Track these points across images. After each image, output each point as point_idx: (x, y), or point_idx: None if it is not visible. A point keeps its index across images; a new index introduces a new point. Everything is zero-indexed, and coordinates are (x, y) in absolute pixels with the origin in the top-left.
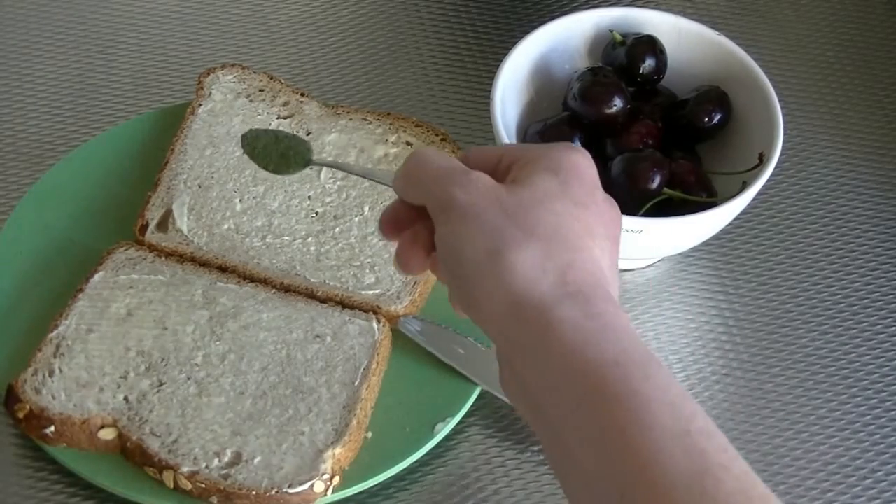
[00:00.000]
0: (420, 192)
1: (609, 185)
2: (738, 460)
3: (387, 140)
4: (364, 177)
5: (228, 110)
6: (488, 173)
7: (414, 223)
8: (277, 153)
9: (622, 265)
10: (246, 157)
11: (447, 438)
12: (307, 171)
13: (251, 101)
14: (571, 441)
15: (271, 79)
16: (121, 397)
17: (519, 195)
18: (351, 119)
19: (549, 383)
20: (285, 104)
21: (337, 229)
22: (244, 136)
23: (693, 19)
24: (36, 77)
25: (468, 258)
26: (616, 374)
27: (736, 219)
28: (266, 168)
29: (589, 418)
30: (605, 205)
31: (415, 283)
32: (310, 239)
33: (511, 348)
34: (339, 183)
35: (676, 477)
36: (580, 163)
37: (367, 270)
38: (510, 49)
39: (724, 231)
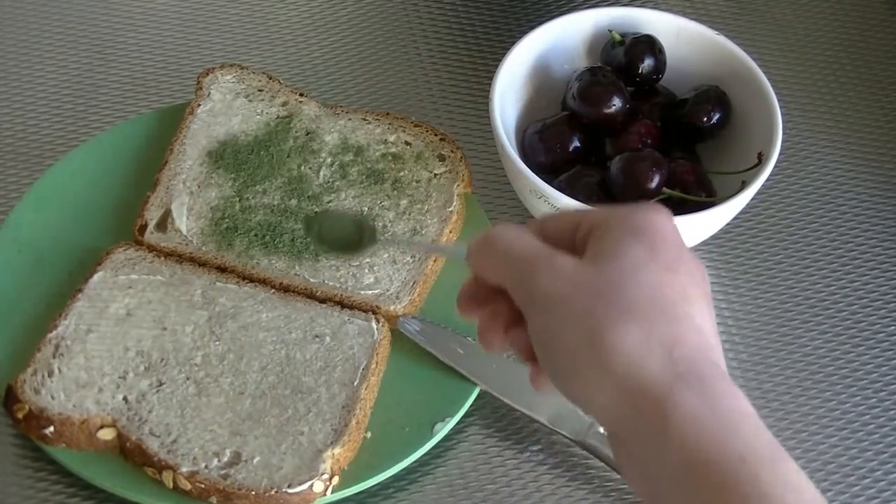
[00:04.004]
0: (499, 277)
1: (608, 185)
2: None
3: (385, 140)
4: (435, 252)
5: (227, 110)
6: (566, 243)
7: (492, 300)
8: (342, 235)
9: None
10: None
11: (446, 438)
12: (305, 170)
13: (250, 100)
14: None
15: (270, 79)
16: (120, 397)
17: (606, 271)
18: (350, 119)
19: (669, 474)
20: (284, 104)
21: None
22: (306, 219)
23: (692, 19)
24: (35, 77)
25: (566, 348)
26: (743, 473)
27: (735, 218)
28: (331, 251)
29: None
30: (693, 263)
31: (414, 282)
32: (309, 238)
33: (627, 435)
34: (338, 183)
35: None
36: (663, 223)
37: (366, 270)
38: (509, 49)
39: (724, 231)
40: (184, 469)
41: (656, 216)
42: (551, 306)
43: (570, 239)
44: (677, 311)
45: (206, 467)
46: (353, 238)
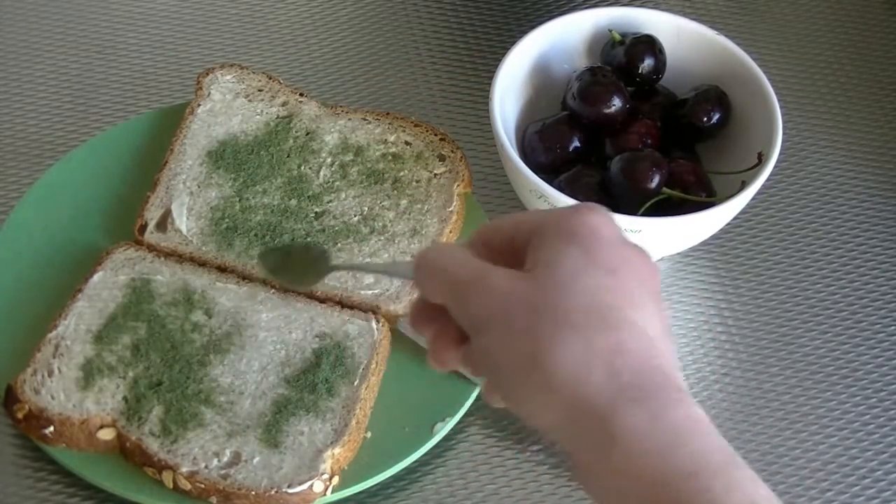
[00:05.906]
0: (439, 298)
1: (608, 185)
2: None
3: (385, 140)
4: (386, 273)
5: (227, 110)
6: (505, 254)
7: (440, 316)
8: (299, 266)
9: None
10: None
11: (446, 438)
12: (305, 170)
13: (250, 100)
14: None
15: (270, 79)
16: (120, 397)
17: (542, 283)
18: (350, 119)
19: (620, 491)
20: (284, 104)
21: (336, 229)
22: (260, 255)
23: (692, 19)
24: (35, 77)
25: (508, 368)
26: (693, 489)
27: (735, 218)
28: (288, 284)
29: None
30: (637, 259)
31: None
32: (308, 239)
33: (577, 453)
34: (338, 183)
35: None
36: (599, 222)
37: None
38: (509, 48)
39: (724, 231)
40: (184, 469)
41: (592, 216)
42: (490, 327)
43: (509, 251)
44: (620, 316)
45: (206, 467)
46: (306, 267)
